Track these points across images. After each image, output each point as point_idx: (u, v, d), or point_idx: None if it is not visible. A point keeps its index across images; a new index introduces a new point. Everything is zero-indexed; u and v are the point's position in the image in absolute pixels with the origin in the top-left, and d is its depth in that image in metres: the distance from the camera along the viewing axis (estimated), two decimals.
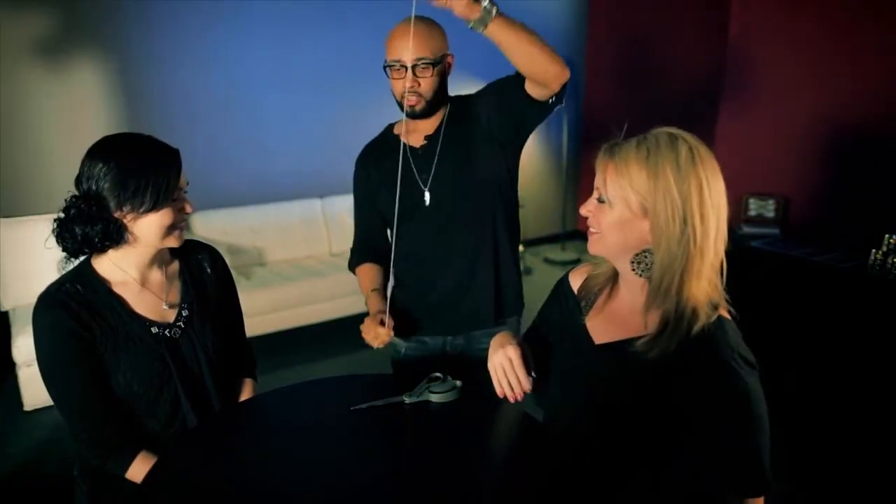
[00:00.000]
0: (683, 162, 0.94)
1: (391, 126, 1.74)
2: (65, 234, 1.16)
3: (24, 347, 2.79)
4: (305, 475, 1.05)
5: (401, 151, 1.55)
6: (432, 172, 1.61)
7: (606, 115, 5.16)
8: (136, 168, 1.15)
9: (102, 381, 1.19)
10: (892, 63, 3.23)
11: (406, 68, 1.50)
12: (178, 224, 1.24)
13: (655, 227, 0.96)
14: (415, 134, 1.64)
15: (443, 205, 1.62)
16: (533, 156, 5.31)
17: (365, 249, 1.78)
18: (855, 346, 2.93)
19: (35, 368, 1.25)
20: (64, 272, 1.24)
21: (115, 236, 1.18)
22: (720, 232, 0.97)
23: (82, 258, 1.25)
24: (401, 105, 1.56)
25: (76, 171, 1.18)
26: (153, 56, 3.65)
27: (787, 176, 3.74)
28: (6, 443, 2.66)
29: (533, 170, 5.33)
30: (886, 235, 2.98)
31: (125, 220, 1.18)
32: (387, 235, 1.74)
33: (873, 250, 3.02)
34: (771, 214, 3.76)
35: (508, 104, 1.53)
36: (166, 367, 1.24)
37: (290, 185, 4.22)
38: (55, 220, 1.17)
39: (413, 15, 1.42)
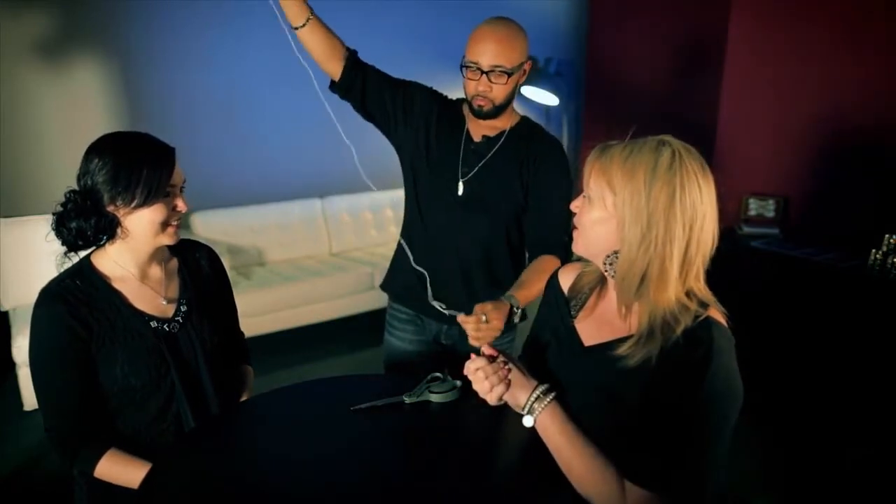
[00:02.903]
0: (660, 167, 0.94)
1: (464, 102, 1.71)
2: (61, 227, 1.20)
3: (24, 347, 2.77)
4: (305, 475, 1.05)
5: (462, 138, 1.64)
6: (475, 170, 1.64)
7: (606, 115, 5.16)
8: (128, 163, 1.17)
9: (87, 380, 1.20)
10: (892, 63, 3.22)
11: (482, 72, 1.52)
12: (171, 221, 1.25)
13: (620, 228, 0.97)
14: (476, 126, 1.67)
15: (473, 202, 1.65)
16: None
17: None
18: (855, 346, 2.93)
19: None
20: (64, 268, 1.25)
21: (108, 230, 1.20)
22: (697, 242, 0.96)
23: (82, 255, 1.27)
24: (470, 104, 1.60)
25: (76, 171, 1.20)
26: (153, 56, 3.65)
27: (787, 176, 3.74)
28: (6, 443, 2.66)
29: None
30: (886, 235, 2.98)
31: (118, 215, 1.20)
32: None
33: (873, 250, 3.01)
34: (771, 214, 3.76)
35: (528, 207, 1.65)
36: (164, 361, 1.25)
37: (290, 185, 4.22)
38: (53, 214, 1.21)
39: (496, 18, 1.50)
